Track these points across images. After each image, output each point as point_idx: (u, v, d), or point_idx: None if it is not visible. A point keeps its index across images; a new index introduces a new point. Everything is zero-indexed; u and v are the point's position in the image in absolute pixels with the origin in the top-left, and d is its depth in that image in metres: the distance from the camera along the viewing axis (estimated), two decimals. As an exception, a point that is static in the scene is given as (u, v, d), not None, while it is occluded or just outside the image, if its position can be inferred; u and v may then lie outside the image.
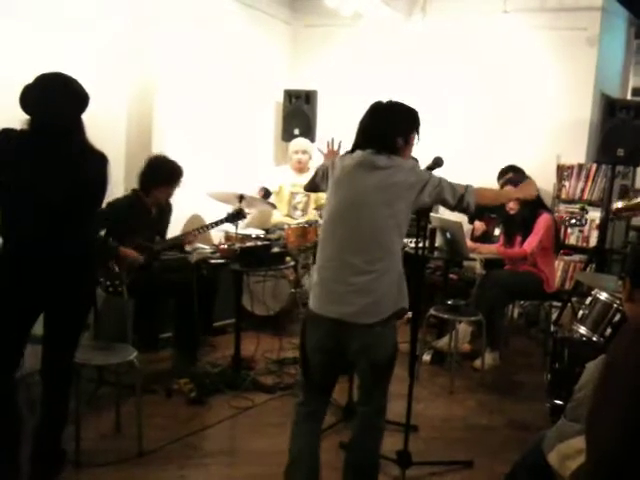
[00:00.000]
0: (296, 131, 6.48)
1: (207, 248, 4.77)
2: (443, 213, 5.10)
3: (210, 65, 5.80)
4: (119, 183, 4.48)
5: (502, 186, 5.08)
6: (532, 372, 4.88)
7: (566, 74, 6.07)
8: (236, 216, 4.49)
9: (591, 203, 5.95)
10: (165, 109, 5.27)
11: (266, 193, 5.95)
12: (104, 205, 3.28)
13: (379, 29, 6.55)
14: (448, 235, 4.91)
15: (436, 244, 5.05)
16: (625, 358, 1.64)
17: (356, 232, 2.68)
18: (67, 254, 2.87)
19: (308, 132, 6.44)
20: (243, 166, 6.26)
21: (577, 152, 6.09)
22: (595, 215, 5.89)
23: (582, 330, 3.77)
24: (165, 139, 5.21)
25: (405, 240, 4.71)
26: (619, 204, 4.71)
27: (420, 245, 3.27)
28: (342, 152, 3.29)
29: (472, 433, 3.96)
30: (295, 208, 6.06)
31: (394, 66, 6.56)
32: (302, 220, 5.75)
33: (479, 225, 5.74)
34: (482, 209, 5.46)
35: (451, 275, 5.47)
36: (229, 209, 4.66)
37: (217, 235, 5.43)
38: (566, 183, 6.11)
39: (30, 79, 2.83)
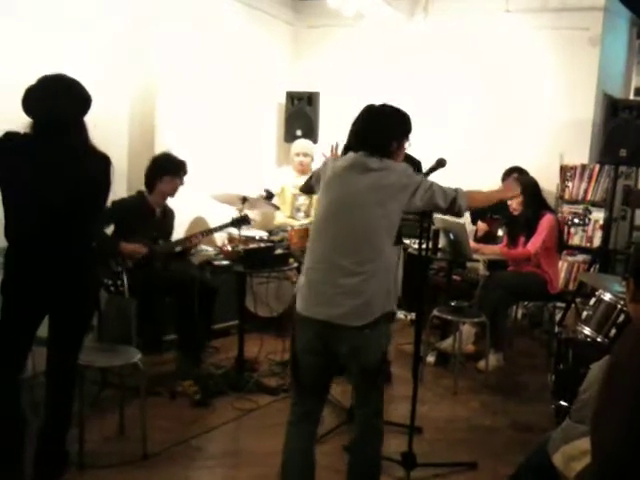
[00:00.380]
0: (298, 132, 6.48)
1: (210, 250, 4.77)
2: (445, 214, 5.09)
3: (212, 66, 5.80)
4: (122, 184, 4.49)
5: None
6: (536, 373, 4.87)
7: (568, 74, 6.06)
8: (240, 221, 4.50)
9: (594, 203, 5.94)
10: (167, 111, 5.27)
11: (268, 195, 5.95)
12: (108, 204, 3.29)
13: (381, 29, 6.55)
14: (451, 236, 4.91)
15: (439, 245, 5.05)
16: (630, 359, 1.63)
17: (347, 233, 2.67)
18: (71, 255, 2.88)
19: (310, 133, 6.44)
20: (246, 168, 6.26)
21: (580, 152, 6.08)
22: (599, 215, 5.88)
23: (586, 331, 3.77)
24: (168, 141, 5.21)
25: (408, 241, 4.78)
26: None
27: (423, 246, 3.27)
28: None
29: (476, 434, 3.95)
30: (298, 210, 6.06)
31: (396, 66, 6.56)
32: (305, 221, 5.74)
33: (482, 226, 5.74)
34: (485, 210, 5.49)
35: (454, 276, 5.46)
36: (232, 211, 4.66)
37: (220, 237, 5.43)
38: (569, 184, 6.10)
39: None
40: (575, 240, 6.07)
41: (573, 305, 5.31)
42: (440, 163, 3.14)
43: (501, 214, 5.31)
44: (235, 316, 4.82)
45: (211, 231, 4.60)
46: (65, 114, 2.84)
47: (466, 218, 5.54)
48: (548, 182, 5.85)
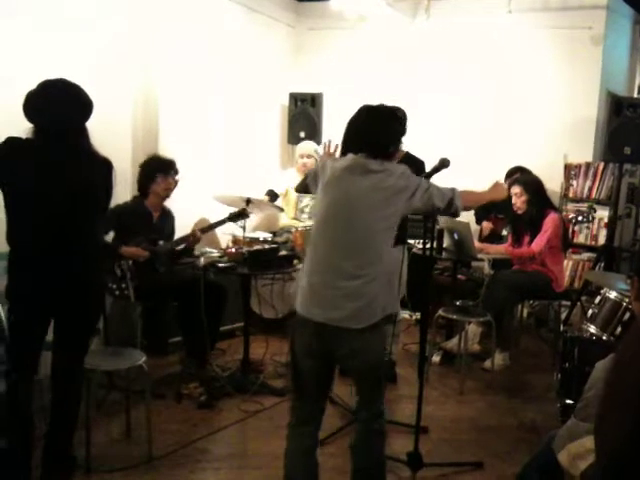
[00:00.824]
0: (302, 134, 6.49)
1: (215, 252, 4.77)
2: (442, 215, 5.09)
3: (214, 69, 5.81)
4: (126, 187, 4.50)
5: (509, 186, 5.07)
6: (542, 372, 4.86)
7: (572, 73, 6.05)
8: (239, 215, 4.48)
9: (599, 202, 5.93)
10: (170, 113, 5.28)
11: (273, 196, 5.95)
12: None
13: (383, 31, 6.56)
14: (456, 236, 4.90)
15: (444, 245, 5.04)
16: (634, 356, 1.63)
17: (347, 235, 2.66)
18: (74, 260, 2.88)
19: (314, 135, 6.44)
20: (249, 169, 6.27)
21: (584, 151, 6.07)
22: (603, 214, 5.87)
23: (592, 329, 3.76)
24: (171, 143, 5.22)
25: (412, 241, 4.77)
26: None
27: (428, 246, 3.26)
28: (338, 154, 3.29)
29: (482, 434, 3.95)
30: (302, 211, 6.06)
31: (399, 67, 6.56)
32: (309, 223, 5.74)
33: (487, 225, 5.73)
34: (489, 210, 5.49)
35: (459, 276, 5.45)
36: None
37: (224, 239, 5.43)
38: (574, 182, 6.09)
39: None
40: (580, 238, 6.06)
41: (579, 303, 5.30)
42: (443, 163, 3.13)
43: (505, 213, 5.30)
44: (240, 318, 4.83)
45: (210, 227, 4.58)
46: (67, 120, 2.84)
47: (470, 217, 5.54)
48: (552, 181, 5.84)
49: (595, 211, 5.31)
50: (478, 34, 6.31)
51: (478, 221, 5.80)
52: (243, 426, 3.90)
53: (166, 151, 4.95)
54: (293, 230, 5.40)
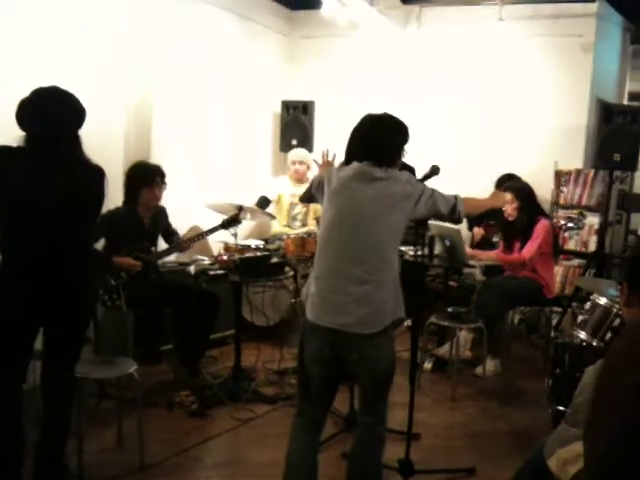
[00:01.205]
0: (294, 142, 6.50)
1: (206, 259, 4.77)
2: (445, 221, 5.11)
3: (207, 76, 5.83)
4: (118, 193, 4.48)
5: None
6: (533, 378, 4.87)
7: (562, 80, 6.09)
8: (231, 222, 4.47)
9: (589, 208, 5.97)
10: (163, 119, 5.28)
11: (265, 201, 5.96)
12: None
13: (375, 39, 6.59)
14: (447, 242, 4.91)
15: (435, 251, 5.05)
16: (623, 362, 1.64)
17: (356, 242, 2.69)
18: (66, 269, 2.87)
19: (306, 142, 6.46)
20: (241, 177, 6.28)
21: (575, 158, 6.11)
22: (594, 220, 5.90)
23: (582, 335, 3.78)
24: (163, 149, 5.22)
25: (404, 248, 4.78)
26: None
27: (419, 253, 3.27)
28: (337, 163, 3.30)
29: (474, 440, 3.95)
30: (294, 219, 6.08)
31: (390, 75, 6.59)
32: (301, 230, 5.75)
33: (478, 231, 5.75)
34: (481, 216, 5.50)
35: (451, 282, 5.47)
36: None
37: (216, 246, 5.43)
38: (564, 189, 6.12)
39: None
40: (570, 245, 6.09)
41: (569, 310, 5.32)
42: (434, 170, 3.16)
43: (496, 220, 5.32)
44: (232, 325, 4.82)
45: (202, 235, 4.56)
46: (59, 128, 2.83)
47: (462, 224, 5.55)
48: (543, 187, 5.87)
49: (585, 217, 5.33)
50: (469, 42, 6.35)
51: (470, 227, 5.82)
52: (235, 434, 3.89)
53: (158, 157, 4.95)
54: (285, 237, 5.40)
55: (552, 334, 5.06)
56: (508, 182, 5.45)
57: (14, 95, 2.80)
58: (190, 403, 4.11)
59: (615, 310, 3.63)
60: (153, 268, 4.41)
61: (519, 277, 5.03)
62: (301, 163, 6.02)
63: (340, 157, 3.04)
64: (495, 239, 5.61)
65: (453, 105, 6.46)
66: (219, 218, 4.72)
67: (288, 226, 6.03)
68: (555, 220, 5.81)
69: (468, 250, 5.12)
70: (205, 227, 4.64)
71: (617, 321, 3.61)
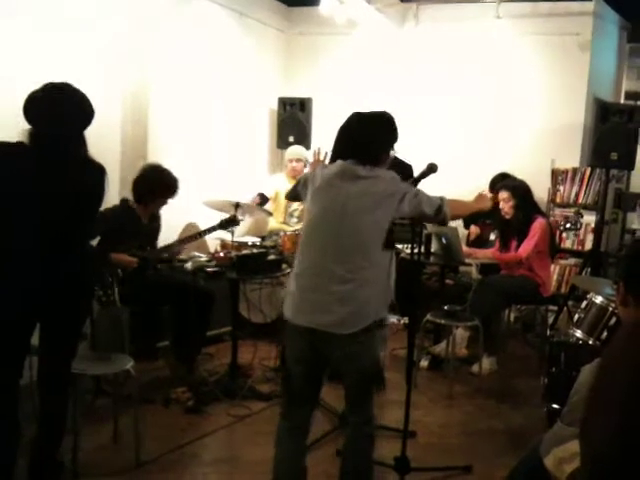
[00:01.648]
0: (291, 139, 6.49)
1: (203, 256, 4.77)
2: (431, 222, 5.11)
3: (205, 73, 5.82)
4: (114, 192, 4.47)
5: (497, 191, 5.11)
6: (529, 377, 4.88)
7: (559, 79, 6.10)
8: (229, 223, 4.47)
9: (586, 207, 5.98)
10: (160, 116, 5.28)
11: (263, 199, 5.95)
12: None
13: (373, 36, 6.58)
14: (444, 240, 4.92)
15: (432, 249, 5.06)
16: (619, 361, 1.65)
17: (338, 240, 2.67)
18: (64, 265, 2.87)
19: (303, 139, 6.45)
20: (238, 174, 6.28)
21: (571, 156, 6.12)
22: (590, 219, 5.91)
23: (578, 334, 3.79)
24: (160, 146, 5.22)
25: (400, 246, 4.79)
26: None
27: (416, 251, 3.27)
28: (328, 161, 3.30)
29: (470, 438, 3.96)
30: (291, 215, 6.07)
31: (388, 73, 6.59)
32: (298, 227, 5.74)
33: (474, 230, 5.76)
34: (477, 214, 5.50)
35: (447, 280, 5.48)
36: (224, 217, 4.65)
37: (213, 243, 5.43)
38: (561, 187, 6.13)
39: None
40: (567, 243, 6.11)
41: (565, 308, 5.33)
42: (431, 168, 3.14)
43: (493, 218, 5.33)
44: (228, 322, 4.82)
45: (200, 234, 4.56)
46: (66, 127, 2.81)
47: (458, 222, 5.56)
48: (540, 186, 5.88)
49: (582, 216, 5.34)
50: (467, 40, 6.35)
51: (466, 226, 5.83)
52: (231, 431, 3.89)
53: (155, 154, 4.95)
54: (282, 234, 5.40)
55: (548, 333, 5.08)
56: (502, 181, 5.46)
57: (14, 95, 2.79)
58: (186, 400, 4.11)
59: (611, 309, 3.64)
60: (150, 265, 4.40)
61: (515, 275, 5.04)
62: (298, 161, 6.02)
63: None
64: (492, 237, 5.62)
65: (450, 103, 6.46)
66: (215, 215, 4.73)
67: (285, 223, 6.03)
68: (552, 219, 5.82)
69: (465, 248, 5.13)
70: (202, 224, 4.65)
71: (613, 320, 3.62)
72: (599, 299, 3.77)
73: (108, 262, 4.08)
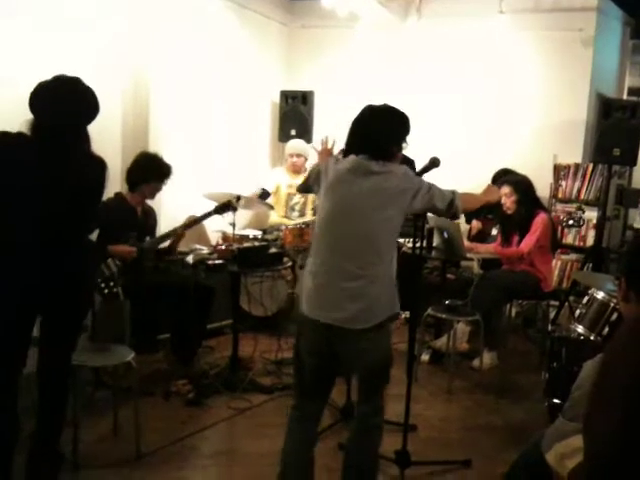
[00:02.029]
0: (292, 132, 6.48)
1: (204, 249, 4.76)
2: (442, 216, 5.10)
3: (207, 66, 5.81)
4: (116, 185, 4.47)
5: (499, 186, 5.10)
6: (530, 372, 4.88)
7: (562, 75, 6.08)
8: (225, 208, 4.45)
9: (588, 203, 5.96)
10: (161, 110, 5.27)
11: (264, 194, 5.95)
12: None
13: (375, 30, 6.56)
14: (445, 235, 4.92)
15: (433, 244, 5.06)
16: (621, 356, 1.65)
17: (349, 236, 2.68)
18: (65, 258, 2.86)
19: (305, 133, 6.44)
20: (240, 167, 6.27)
21: (573, 152, 6.10)
22: (592, 215, 5.90)
23: (579, 329, 3.79)
24: (161, 140, 5.21)
25: (402, 240, 4.79)
26: None
27: (417, 245, 3.27)
28: (336, 150, 3.29)
29: (470, 433, 3.96)
30: (292, 209, 6.07)
31: (390, 67, 6.57)
32: (299, 220, 5.75)
33: (476, 224, 5.75)
34: (479, 209, 5.50)
35: (448, 275, 5.48)
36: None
37: (214, 236, 5.43)
38: (563, 183, 6.12)
39: (30, 79, 2.80)
40: (568, 239, 6.10)
41: (566, 304, 5.33)
42: (433, 163, 3.14)
43: (495, 213, 5.32)
44: (229, 315, 4.82)
45: (196, 221, 4.54)
46: (69, 119, 2.80)
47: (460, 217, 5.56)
48: (542, 181, 5.86)
49: (584, 212, 5.33)
50: (469, 34, 6.33)
51: (468, 220, 5.82)
52: (232, 423, 3.90)
53: (156, 148, 4.94)
54: (283, 228, 5.40)
55: (549, 328, 5.07)
56: (504, 176, 5.45)
57: (14, 95, 2.78)
58: (187, 392, 4.11)
59: (612, 305, 3.64)
60: (148, 255, 4.39)
61: (517, 270, 5.03)
62: (298, 156, 6.01)
63: (340, 145, 3.02)
64: (493, 232, 5.61)
65: (452, 97, 6.44)
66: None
67: (286, 216, 6.03)
68: (554, 214, 5.82)
69: (466, 243, 5.12)
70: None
71: (615, 316, 3.62)
72: (600, 295, 3.76)
73: (107, 254, 4.08)
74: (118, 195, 4.44)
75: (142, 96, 5.10)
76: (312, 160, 5.76)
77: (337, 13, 6.01)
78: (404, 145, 2.86)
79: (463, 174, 5.64)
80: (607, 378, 1.67)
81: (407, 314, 4.66)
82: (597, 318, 3.73)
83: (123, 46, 4.80)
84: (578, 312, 3.93)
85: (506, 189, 5.00)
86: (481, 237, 5.66)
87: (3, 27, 3.92)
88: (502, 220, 5.18)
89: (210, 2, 5.82)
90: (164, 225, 4.69)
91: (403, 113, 2.86)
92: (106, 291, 4.01)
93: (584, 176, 6.05)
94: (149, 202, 4.60)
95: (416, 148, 3.33)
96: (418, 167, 3.19)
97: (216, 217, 4.52)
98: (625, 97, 6.72)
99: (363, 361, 2.73)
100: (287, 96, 6.63)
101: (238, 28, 6.21)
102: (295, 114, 6.55)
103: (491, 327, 4.82)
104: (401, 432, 3.31)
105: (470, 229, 5.80)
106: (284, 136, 6.55)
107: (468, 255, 5.09)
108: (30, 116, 2.76)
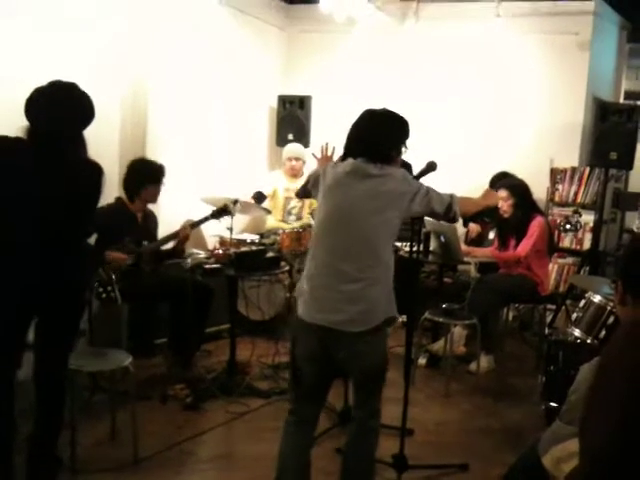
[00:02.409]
0: (290, 136, 6.48)
1: (202, 253, 4.76)
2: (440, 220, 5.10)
3: (205, 70, 5.81)
4: (113, 189, 4.47)
5: (496, 190, 5.10)
6: (527, 375, 4.88)
7: (559, 78, 6.09)
8: (221, 212, 4.45)
9: (584, 206, 5.97)
10: (159, 114, 5.27)
11: (260, 197, 5.94)
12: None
13: (373, 34, 6.57)
14: (442, 239, 4.92)
15: (430, 248, 5.06)
16: (618, 360, 1.65)
17: (347, 239, 2.68)
18: (61, 263, 2.86)
19: (302, 137, 6.44)
20: (237, 171, 6.27)
21: (570, 156, 6.11)
22: (588, 218, 5.91)
23: (576, 333, 3.79)
24: (159, 143, 5.21)
25: (399, 244, 4.79)
26: None
27: (414, 249, 3.27)
28: (335, 157, 3.30)
29: (467, 436, 3.96)
30: (289, 213, 6.07)
31: (388, 71, 6.58)
32: (296, 225, 5.75)
33: (473, 228, 5.75)
34: (476, 214, 5.50)
35: (445, 279, 5.48)
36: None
37: (212, 240, 5.42)
38: (559, 186, 6.13)
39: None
40: (565, 242, 6.11)
41: (563, 307, 5.33)
42: (430, 166, 3.15)
43: (492, 217, 5.33)
44: (227, 319, 4.82)
45: (193, 225, 4.56)
46: (65, 125, 2.81)
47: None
48: (538, 185, 5.86)
49: (580, 215, 5.34)
50: (466, 38, 6.34)
51: (465, 224, 5.82)
52: (229, 428, 3.89)
53: (154, 152, 4.94)
54: (280, 232, 5.40)
55: (546, 331, 5.08)
56: (501, 180, 5.45)
57: (14, 95, 2.78)
58: (184, 396, 4.11)
59: (609, 308, 3.65)
60: (145, 260, 4.38)
61: (513, 274, 5.04)
62: (297, 159, 6.02)
63: (339, 152, 3.03)
64: (490, 236, 5.62)
65: (450, 101, 6.45)
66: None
67: (283, 221, 6.03)
68: (551, 218, 5.82)
69: (463, 247, 5.13)
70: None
71: (611, 319, 3.63)
72: (597, 298, 3.77)
73: (103, 260, 4.07)
74: (119, 200, 4.44)
75: (140, 99, 5.10)
76: (310, 165, 5.76)
77: (335, 18, 6.02)
78: (404, 149, 2.87)
79: (461, 177, 5.66)
80: (604, 381, 1.68)
81: (404, 318, 4.66)
82: (594, 321, 3.74)
83: (123, 47, 4.80)
84: (575, 315, 3.94)
85: (503, 193, 5.01)
86: (478, 241, 5.67)
87: (3, 27, 3.92)
88: (499, 224, 5.18)
89: (209, 6, 5.82)
90: (162, 229, 4.69)
91: (402, 117, 2.87)
92: (104, 295, 4.02)
93: (581, 180, 6.06)
94: (150, 206, 4.61)
95: (414, 151, 3.33)
96: (415, 171, 3.20)
97: (213, 221, 4.52)
98: (622, 101, 6.75)
99: (359, 365, 2.73)
100: (285, 101, 6.63)
101: (236, 32, 6.21)
102: (292, 119, 6.56)
103: (488, 331, 4.83)
104: (398, 436, 3.31)
105: (467, 233, 5.80)
106: (282, 140, 6.55)
107: (465, 259, 5.10)
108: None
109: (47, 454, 2.99)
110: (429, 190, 2.79)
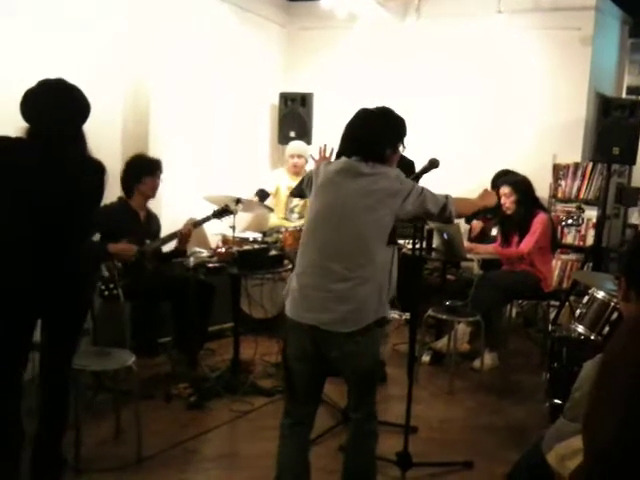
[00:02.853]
0: (292, 134, 6.48)
1: (204, 252, 4.76)
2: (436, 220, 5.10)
3: (206, 69, 5.81)
4: (116, 187, 4.47)
5: (499, 186, 5.10)
6: (531, 372, 4.88)
7: (561, 74, 6.08)
8: (223, 212, 4.46)
9: (587, 202, 5.96)
10: (161, 112, 5.27)
11: (263, 194, 5.94)
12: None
13: (374, 31, 6.57)
14: (445, 236, 4.92)
15: (433, 245, 5.06)
16: (621, 356, 1.65)
17: (338, 238, 2.65)
18: (64, 262, 2.86)
19: (304, 135, 6.44)
20: (239, 169, 6.27)
21: (573, 151, 6.10)
22: (592, 214, 5.90)
23: (580, 329, 3.78)
24: (161, 143, 5.21)
25: (402, 241, 4.78)
26: None
27: (417, 246, 3.27)
28: (334, 158, 3.29)
29: (471, 434, 3.96)
30: (292, 211, 6.07)
31: (389, 67, 6.58)
32: (299, 223, 5.74)
33: (476, 224, 5.75)
34: (475, 213, 5.49)
35: (449, 276, 5.47)
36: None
37: (214, 239, 5.42)
38: (562, 182, 6.12)
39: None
40: (568, 239, 6.09)
41: (567, 303, 5.32)
42: (433, 163, 3.14)
43: (494, 213, 5.32)
44: (230, 318, 4.82)
45: (195, 225, 4.56)
46: (65, 124, 2.80)
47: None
48: (541, 181, 5.85)
49: (583, 211, 5.33)
50: (468, 34, 6.32)
51: (467, 221, 5.82)
52: (233, 426, 3.90)
53: (156, 151, 4.94)
54: (283, 230, 5.40)
55: (550, 328, 5.07)
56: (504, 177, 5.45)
57: (14, 95, 2.78)
58: (188, 395, 4.11)
59: (613, 304, 3.63)
60: (149, 257, 4.39)
61: (517, 271, 5.03)
62: (299, 157, 6.01)
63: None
64: (493, 232, 5.61)
65: (451, 97, 6.44)
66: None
67: (286, 219, 6.03)
68: (554, 214, 5.81)
69: (466, 243, 5.12)
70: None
71: (615, 315, 3.62)
72: (601, 294, 3.76)
73: (108, 255, 4.07)
74: (121, 199, 4.45)
75: (142, 98, 5.10)
76: (312, 163, 5.76)
77: (336, 14, 6.01)
78: (401, 148, 2.85)
79: (463, 174, 5.66)
80: (607, 378, 1.67)
81: (407, 315, 4.67)
82: (597, 318, 3.73)
83: (123, 46, 4.80)
84: (578, 312, 3.93)
85: (505, 189, 5.00)
86: (480, 238, 5.66)
87: (3, 27, 3.92)
88: (502, 220, 5.18)
89: (209, 4, 5.82)
90: (165, 229, 4.69)
91: (398, 116, 2.84)
92: (106, 293, 4.01)
93: (583, 175, 6.05)
94: (151, 205, 4.61)
95: (415, 149, 3.33)
96: (417, 168, 3.19)
97: (215, 220, 4.52)
98: (624, 96, 6.72)
99: (351, 365, 2.71)
100: (286, 98, 6.63)
101: (237, 30, 6.21)
102: (294, 116, 6.56)
103: (491, 328, 4.82)
104: (402, 433, 3.31)
105: (470, 230, 5.80)
106: (283, 138, 6.56)
107: (468, 256, 5.09)
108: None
109: (52, 454, 2.99)
110: (423, 190, 2.76)
